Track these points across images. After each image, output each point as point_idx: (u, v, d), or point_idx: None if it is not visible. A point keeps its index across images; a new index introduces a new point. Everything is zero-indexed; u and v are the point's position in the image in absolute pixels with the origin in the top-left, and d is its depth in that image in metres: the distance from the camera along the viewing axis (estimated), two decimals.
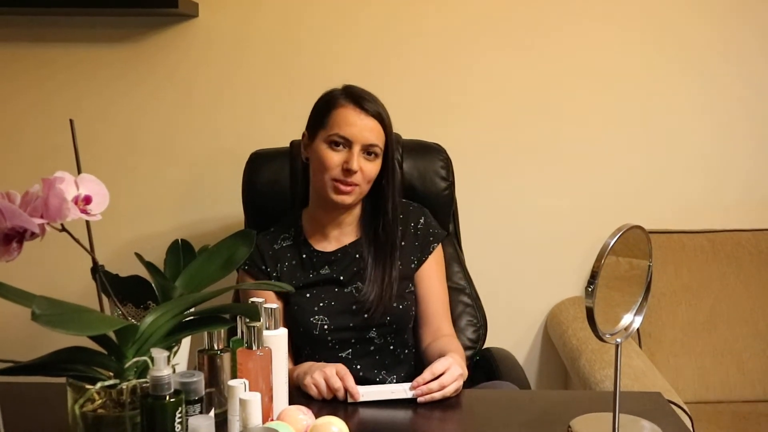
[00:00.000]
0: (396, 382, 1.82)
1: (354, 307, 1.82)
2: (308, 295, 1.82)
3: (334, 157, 1.77)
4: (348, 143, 1.76)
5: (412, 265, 1.89)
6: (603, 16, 2.47)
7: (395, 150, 1.87)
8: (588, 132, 2.51)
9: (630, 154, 2.52)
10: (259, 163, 2.14)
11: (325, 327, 1.80)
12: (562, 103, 2.50)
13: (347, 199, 1.79)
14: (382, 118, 1.79)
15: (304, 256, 1.86)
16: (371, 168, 1.79)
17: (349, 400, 1.54)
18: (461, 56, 2.47)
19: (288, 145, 2.15)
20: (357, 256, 1.86)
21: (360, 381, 1.61)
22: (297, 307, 1.82)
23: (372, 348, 1.84)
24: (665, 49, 2.49)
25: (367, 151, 1.78)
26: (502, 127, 2.50)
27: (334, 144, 1.77)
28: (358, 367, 1.81)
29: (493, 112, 2.50)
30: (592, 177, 2.53)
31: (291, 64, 2.46)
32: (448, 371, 1.57)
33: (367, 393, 1.56)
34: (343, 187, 1.77)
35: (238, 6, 2.44)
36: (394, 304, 1.82)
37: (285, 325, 1.51)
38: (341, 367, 1.59)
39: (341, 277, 1.84)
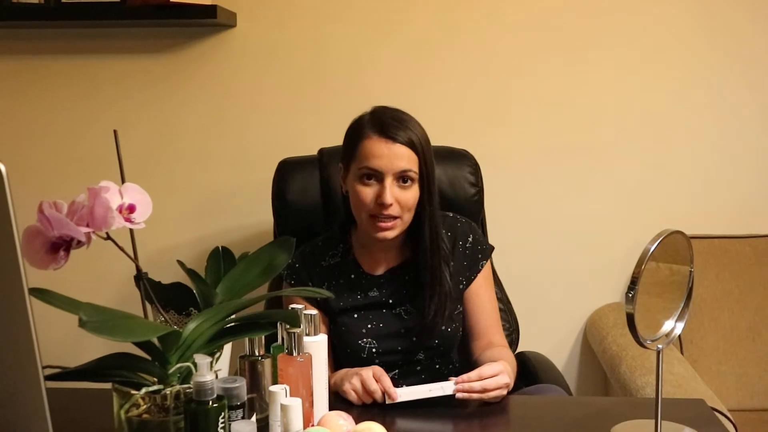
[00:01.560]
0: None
1: (402, 330, 1.80)
2: (356, 315, 1.81)
3: (367, 193, 1.72)
4: (379, 175, 1.71)
5: (461, 286, 1.86)
6: (635, 20, 2.45)
7: (433, 170, 1.78)
8: (627, 135, 2.50)
9: (670, 158, 2.50)
10: (287, 171, 2.15)
11: (374, 350, 1.79)
12: (599, 105, 2.49)
13: (389, 235, 1.74)
14: (413, 143, 1.71)
15: (352, 276, 1.84)
16: (409, 196, 1.73)
17: (387, 401, 1.55)
18: (489, 63, 2.47)
19: (316, 152, 2.16)
20: (406, 278, 1.84)
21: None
22: (344, 328, 1.81)
23: (418, 368, 1.84)
24: (708, 51, 2.47)
25: (402, 178, 1.72)
26: (537, 132, 2.50)
27: (365, 177, 1.72)
28: (403, 385, 1.80)
29: (525, 117, 2.50)
30: (631, 181, 2.51)
31: (325, 73, 2.48)
32: (495, 378, 1.56)
33: (404, 393, 1.56)
34: (381, 224, 1.72)
35: (274, 16, 2.47)
36: (443, 327, 1.81)
37: (331, 344, 1.52)
38: (377, 369, 1.59)
39: (390, 300, 1.82)
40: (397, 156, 1.70)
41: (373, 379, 1.56)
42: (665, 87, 2.48)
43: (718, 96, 2.48)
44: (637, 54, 2.47)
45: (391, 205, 1.70)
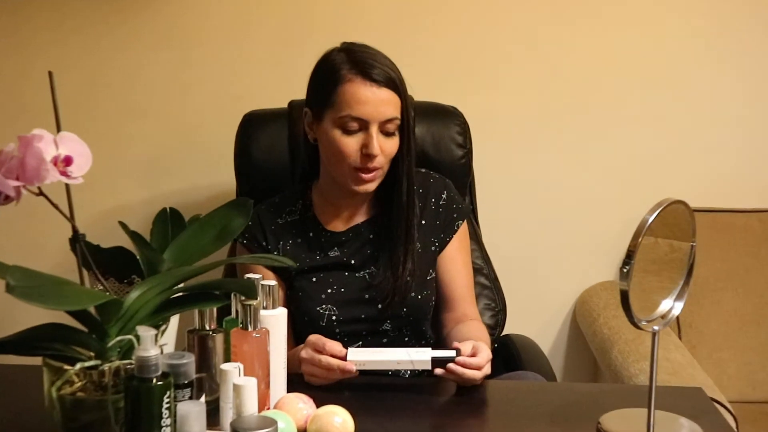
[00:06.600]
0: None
1: (366, 295, 1.81)
2: (314, 279, 1.81)
3: (351, 143, 1.72)
4: (364, 123, 1.71)
5: (433, 248, 1.87)
6: None
7: (412, 116, 1.83)
8: (624, 98, 2.51)
9: (671, 123, 2.52)
10: (253, 126, 2.14)
11: (333, 318, 1.79)
12: (596, 67, 2.50)
13: (371, 187, 1.76)
14: (395, 84, 1.73)
15: (311, 234, 1.84)
16: (391, 145, 1.75)
17: (356, 367, 1.54)
18: (484, 10, 2.47)
19: (286, 105, 2.16)
20: (371, 236, 1.84)
21: (371, 373, 1.60)
22: (302, 292, 1.81)
23: (385, 340, 1.83)
24: (720, 6, 2.48)
25: (386, 126, 1.73)
26: (529, 93, 2.51)
27: (348, 126, 1.72)
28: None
29: (518, 75, 2.50)
30: (628, 149, 2.53)
31: (300, 18, 2.46)
32: (484, 369, 1.57)
33: (368, 362, 1.55)
34: (365, 176, 1.73)
35: None
36: (413, 294, 1.81)
37: (289, 314, 1.52)
38: (312, 341, 1.58)
39: (352, 261, 1.83)
40: (382, 101, 1.71)
41: (316, 354, 1.56)
42: (669, 46, 2.49)
43: (729, 58, 2.50)
44: (641, 7, 2.47)
45: (377, 156, 1.72)
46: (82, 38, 2.48)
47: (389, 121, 1.73)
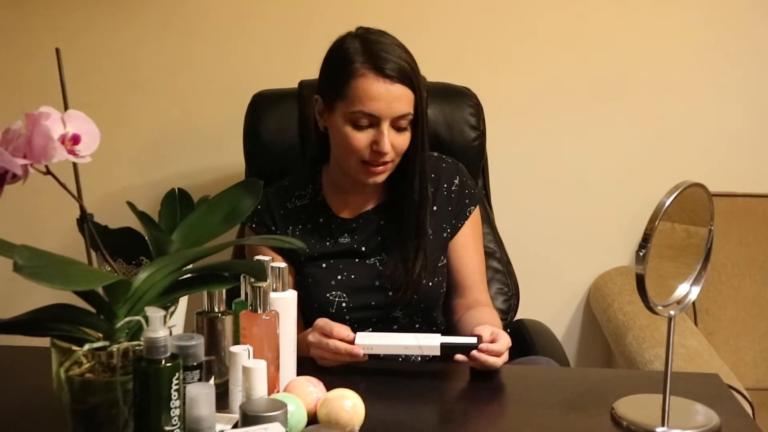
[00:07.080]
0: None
1: (377, 282, 1.82)
2: (324, 265, 1.82)
3: (361, 139, 1.72)
4: (375, 119, 1.71)
5: (445, 234, 1.88)
6: None
7: (426, 107, 1.81)
8: (642, 79, 2.50)
9: (690, 106, 2.51)
10: (263, 106, 2.15)
11: (344, 305, 1.80)
12: (613, 47, 2.49)
13: (380, 179, 1.77)
14: (409, 78, 1.72)
15: (321, 220, 1.85)
16: (403, 140, 1.75)
17: (364, 351, 1.56)
18: None
19: (296, 85, 2.16)
20: (381, 222, 1.85)
21: (382, 358, 1.62)
22: (311, 279, 1.82)
23: (395, 327, 1.84)
24: None
25: (398, 122, 1.73)
26: (544, 73, 2.50)
27: (359, 121, 1.72)
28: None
29: (533, 55, 2.49)
30: (646, 131, 2.52)
31: None
32: (503, 356, 1.58)
33: (376, 347, 1.57)
34: (374, 169, 1.75)
35: None
36: (424, 281, 1.82)
37: (299, 299, 1.53)
38: (319, 326, 1.59)
39: (363, 248, 1.84)
40: (395, 98, 1.71)
41: (323, 338, 1.57)
42: (690, 24, 2.48)
43: (750, 37, 2.48)
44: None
45: (388, 152, 1.72)
46: (88, 16, 2.48)
47: (401, 117, 1.72)
